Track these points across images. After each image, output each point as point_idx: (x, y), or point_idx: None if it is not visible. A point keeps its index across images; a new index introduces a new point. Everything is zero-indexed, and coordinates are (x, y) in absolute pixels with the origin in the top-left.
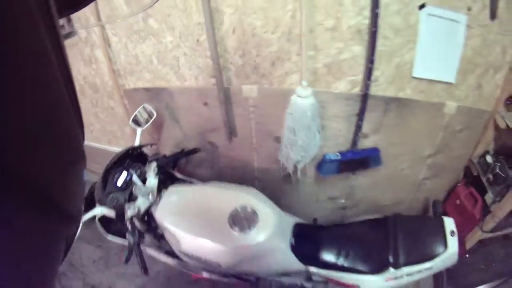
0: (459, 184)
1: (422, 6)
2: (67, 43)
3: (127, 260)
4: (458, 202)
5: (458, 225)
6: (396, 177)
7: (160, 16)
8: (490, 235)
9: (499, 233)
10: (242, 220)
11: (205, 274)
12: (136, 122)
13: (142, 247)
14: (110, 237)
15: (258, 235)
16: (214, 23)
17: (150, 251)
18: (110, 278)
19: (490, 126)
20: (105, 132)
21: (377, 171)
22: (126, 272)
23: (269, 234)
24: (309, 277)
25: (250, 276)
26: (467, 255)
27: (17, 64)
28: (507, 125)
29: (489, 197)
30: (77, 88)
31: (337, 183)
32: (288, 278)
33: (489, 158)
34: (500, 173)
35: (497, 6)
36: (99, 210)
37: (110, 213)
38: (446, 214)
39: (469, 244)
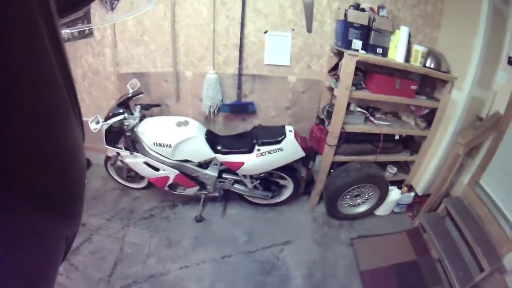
0: (313, 125)
1: (265, 32)
2: (84, 41)
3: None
4: (313, 134)
5: (317, 148)
6: (271, 122)
7: (151, 35)
8: (337, 157)
9: (344, 156)
10: (181, 124)
11: (160, 172)
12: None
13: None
14: (106, 146)
15: (189, 129)
16: (175, 41)
17: (128, 160)
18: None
19: (325, 89)
20: (94, 107)
21: (258, 118)
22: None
23: (194, 128)
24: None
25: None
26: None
27: (18, 64)
28: (330, 86)
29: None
30: (81, 72)
31: (237, 125)
32: (208, 170)
33: (327, 107)
34: (330, 110)
35: (311, 25)
36: (111, 121)
37: (115, 124)
38: (309, 145)
39: (326, 160)
